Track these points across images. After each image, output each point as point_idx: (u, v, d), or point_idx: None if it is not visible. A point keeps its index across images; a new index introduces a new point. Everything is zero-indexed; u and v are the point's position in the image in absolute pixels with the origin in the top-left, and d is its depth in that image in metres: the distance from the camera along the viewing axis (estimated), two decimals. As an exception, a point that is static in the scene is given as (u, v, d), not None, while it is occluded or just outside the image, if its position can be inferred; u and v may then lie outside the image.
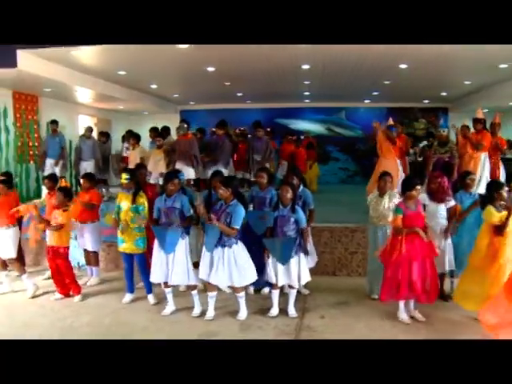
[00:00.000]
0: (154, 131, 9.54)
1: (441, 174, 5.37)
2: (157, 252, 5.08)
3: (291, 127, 14.91)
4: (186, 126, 8.39)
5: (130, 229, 5.36)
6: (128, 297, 5.68)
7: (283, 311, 5.10)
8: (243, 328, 4.79)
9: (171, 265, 4.99)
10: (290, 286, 5.09)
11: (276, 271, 4.95)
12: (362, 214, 6.25)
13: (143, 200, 5.42)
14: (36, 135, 11.13)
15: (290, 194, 4.90)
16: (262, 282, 5.29)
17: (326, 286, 5.93)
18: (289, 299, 5.12)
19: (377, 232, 5.37)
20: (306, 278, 5.05)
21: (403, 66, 9.09)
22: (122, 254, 5.58)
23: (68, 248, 5.82)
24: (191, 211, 5.15)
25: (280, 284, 5.02)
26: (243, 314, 5.04)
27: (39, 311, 5.43)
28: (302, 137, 12.71)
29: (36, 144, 11.04)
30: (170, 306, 5.27)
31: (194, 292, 5.19)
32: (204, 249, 4.95)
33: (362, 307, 5.29)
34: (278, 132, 12.68)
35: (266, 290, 5.68)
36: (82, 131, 12.70)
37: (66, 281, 5.79)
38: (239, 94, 13.27)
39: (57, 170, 9.46)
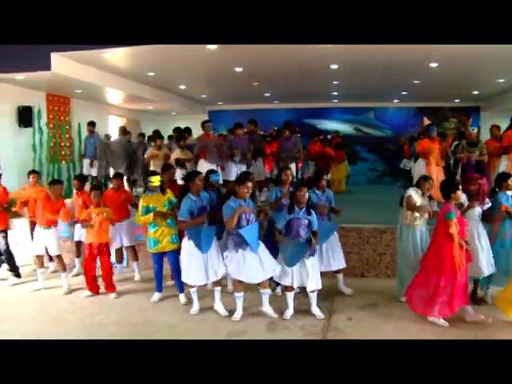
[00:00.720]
0: (177, 131, 9.61)
1: (480, 176, 5.23)
2: (190, 253, 5.06)
3: (319, 127, 14.84)
4: (210, 124, 8.50)
5: (165, 226, 5.45)
6: (157, 296, 5.73)
7: (310, 312, 5.09)
8: (270, 328, 4.79)
9: (209, 263, 5.01)
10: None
11: (291, 273, 4.91)
12: (390, 214, 6.17)
13: (171, 194, 5.59)
14: (67, 136, 11.40)
15: (306, 196, 4.86)
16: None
17: (354, 288, 5.87)
18: (311, 301, 5.08)
19: (414, 233, 5.23)
20: (317, 283, 4.98)
21: (433, 65, 8.95)
22: (153, 255, 5.62)
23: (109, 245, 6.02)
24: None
25: (295, 286, 4.98)
26: (267, 308, 5.04)
27: (69, 308, 5.57)
28: (329, 136, 12.61)
29: (67, 144, 11.32)
30: (197, 305, 5.31)
31: (218, 288, 5.21)
32: (232, 249, 4.93)
33: (391, 309, 5.24)
34: (306, 132, 12.59)
35: (278, 290, 5.67)
36: (111, 131, 13.07)
37: (104, 277, 5.91)
38: (267, 95, 13.29)
39: (93, 171, 9.72)
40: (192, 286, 5.25)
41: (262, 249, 4.95)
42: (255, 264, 4.87)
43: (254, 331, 4.71)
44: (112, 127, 14.04)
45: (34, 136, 10.02)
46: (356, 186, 12.57)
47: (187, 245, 5.09)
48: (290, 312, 5.05)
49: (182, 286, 5.59)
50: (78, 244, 6.80)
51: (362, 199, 9.45)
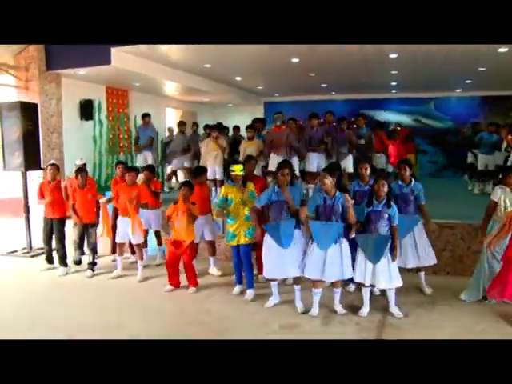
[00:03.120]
0: (259, 121, 9.61)
1: None
2: (269, 248, 5.06)
3: (377, 119, 14.44)
4: (282, 116, 8.39)
5: (242, 220, 5.47)
6: (238, 288, 5.72)
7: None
8: (324, 322, 4.80)
9: (288, 258, 4.96)
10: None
11: (365, 270, 4.83)
12: (451, 209, 5.98)
13: (252, 187, 5.56)
14: (126, 128, 11.82)
15: (385, 188, 4.76)
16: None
17: (411, 284, 5.71)
18: (389, 300, 4.95)
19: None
20: (397, 281, 4.84)
21: (503, 50, 8.52)
22: (233, 248, 5.64)
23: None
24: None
25: (367, 283, 4.88)
26: (339, 307, 5.03)
27: (152, 299, 5.66)
28: (392, 127, 12.23)
29: (125, 136, 11.73)
30: (275, 298, 5.30)
31: (298, 287, 5.16)
32: (313, 247, 4.87)
33: (451, 307, 5.13)
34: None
35: (352, 287, 5.61)
36: (168, 123, 13.38)
37: (187, 272, 5.90)
38: (324, 85, 13.14)
39: (149, 160, 10.03)
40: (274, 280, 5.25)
41: (346, 248, 4.85)
42: (279, 259, 4.94)
43: (307, 325, 4.73)
44: (169, 119, 14.39)
45: (94, 128, 10.50)
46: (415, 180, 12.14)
47: (268, 238, 5.08)
48: (366, 309, 4.97)
49: (252, 282, 5.56)
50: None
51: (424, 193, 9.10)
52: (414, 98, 14.41)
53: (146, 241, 7.00)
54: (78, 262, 6.91)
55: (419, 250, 5.40)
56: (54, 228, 6.84)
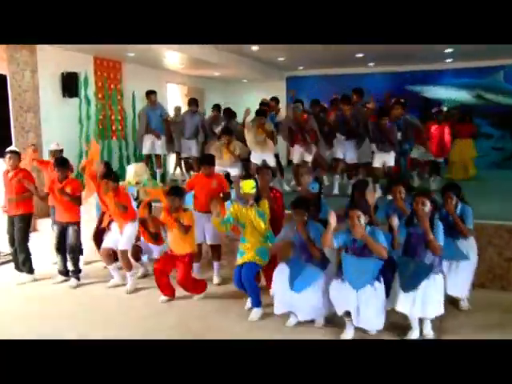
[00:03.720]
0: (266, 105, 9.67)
1: None
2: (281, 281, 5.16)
3: (426, 96, 14.32)
4: (301, 105, 8.57)
5: (258, 240, 5.49)
6: (250, 302, 5.70)
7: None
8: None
9: (302, 300, 5.05)
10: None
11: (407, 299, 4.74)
12: None
13: (265, 207, 5.45)
14: (119, 107, 11.68)
15: (427, 208, 4.67)
16: None
17: (472, 302, 5.64)
18: (425, 322, 4.91)
19: None
20: (436, 310, 4.78)
21: None
22: (237, 268, 5.61)
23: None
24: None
25: (414, 316, 4.80)
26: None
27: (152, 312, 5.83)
28: (435, 109, 11.81)
29: (119, 117, 11.60)
30: (294, 318, 5.31)
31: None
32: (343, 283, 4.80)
33: None
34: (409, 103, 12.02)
35: None
36: (171, 102, 13.26)
37: (181, 285, 6.02)
38: (359, 55, 12.84)
39: (157, 148, 9.91)
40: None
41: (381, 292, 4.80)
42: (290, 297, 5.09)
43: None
44: (171, 97, 14.26)
45: (80, 107, 10.30)
46: (475, 170, 11.82)
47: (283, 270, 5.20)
48: (415, 334, 4.87)
49: (256, 301, 5.57)
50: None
51: (483, 187, 9.12)
52: (477, 68, 13.95)
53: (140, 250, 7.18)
54: (63, 272, 6.97)
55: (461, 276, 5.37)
56: (15, 226, 6.88)
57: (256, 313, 5.54)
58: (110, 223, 6.76)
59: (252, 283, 5.50)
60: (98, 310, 5.91)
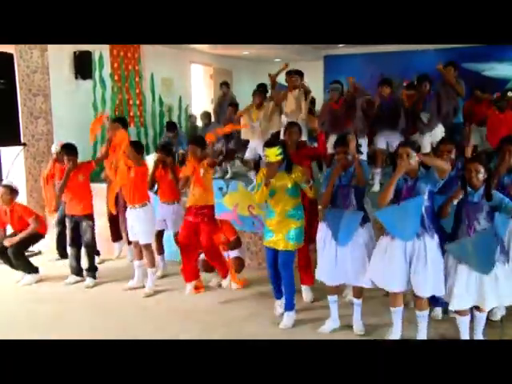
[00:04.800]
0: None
1: None
2: (323, 245, 5.24)
3: (487, 74, 13.88)
4: (340, 86, 8.40)
5: (284, 215, 5.46)
6: (279, 306, 5.78)
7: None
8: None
9: (345, 262, 5.10)
10: (477, 308, 4.74)
11: (465, 287, 4.59)
12: None
13: (300, 173, 5.43)
14: (137, 91, 11.76)
15: (481, 175, 4.59)
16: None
17: None
18: (475, 327, 4.83)
19: None
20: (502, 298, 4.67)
21: None
22: (267, 251, 5.67)
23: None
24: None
25: (468, 306, 4.69)
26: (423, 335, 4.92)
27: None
28: (496, 94, 11.33)
29: (137, 102, 11.70)
30: (333, 322, 5.41)
31: (359, 302, 5.31)
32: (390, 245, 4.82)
33: None
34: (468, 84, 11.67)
35: (439, 313, 5.54)
36: (195, 85, 13.30)
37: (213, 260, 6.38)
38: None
39: None
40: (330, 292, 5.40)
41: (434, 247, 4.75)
42: (337, 261, 5.13)
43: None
44: (196, 80, 14.30)
45: (94, 90, 10.42)
46: None
47: (322, 231, 5.26)
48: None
49: (292, 302, 5.61)
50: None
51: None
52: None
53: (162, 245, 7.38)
54: (77, 271, 7.13)
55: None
56: None
57: (289, 318, 5.56)
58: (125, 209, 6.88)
59: (292, 281, 5.53)
60: (116, 314, 6.02)
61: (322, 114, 8.48)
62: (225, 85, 11.75)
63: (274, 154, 5.28)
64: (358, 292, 5.24)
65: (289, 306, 5.57)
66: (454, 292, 4.60)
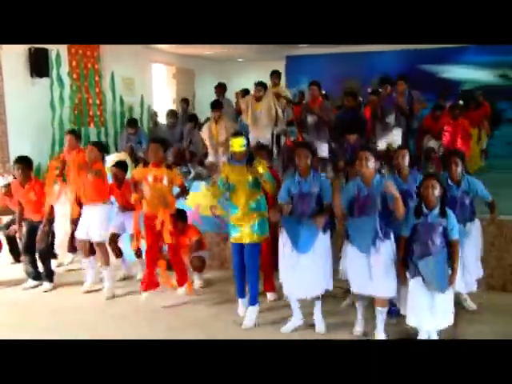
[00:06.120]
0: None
1: None
2: (285, 251, 5.24)
3: (443, 76, 14.15)
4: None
5: (247, 209, 5.52)
6: (244, 304, 5.78)
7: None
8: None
9: (305, 270, 5.11)
10: None
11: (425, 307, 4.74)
12: None
13: (265, 167, 5.49)
14: (97, 90, 11.55)
15: (437, 191, 4.67)
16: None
17: (491, 307, 5.74)
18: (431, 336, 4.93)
19: None
20: (447, 319, 4.81)
21: None
22: (233, 246, 5.71)
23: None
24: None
25: (416, 325, 4.85)
26: (381, 334, 5.05)
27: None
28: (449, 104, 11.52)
29: (97, 102, 11.48)
30: (296, 320, 5.41)
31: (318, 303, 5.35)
32: (349, 251, 5.03)
33: None
34: (424, 85, 11.87)
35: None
36: (156, 85, 13.10)
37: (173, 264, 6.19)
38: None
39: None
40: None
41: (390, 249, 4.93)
42: (299, 272, 5.13)
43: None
44: (157, 80, 14.16)
45: (51, 89, 10.20)
46: (497, 159, 11.83)
47: (287, 242, 5.25)
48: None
49: (256, 296, 5.65)
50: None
51: (505, 179, 8.92)
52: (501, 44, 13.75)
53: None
54: (33, 275, 6.93)
55: (467, 267, 5.39)
56: None
57: (253, 312, 5.59)
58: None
59: (257, 273, 5.61)
60: (77, 318, 5.85)
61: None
62: (184, 101, 11.60)
63: (238, 144, 5.40)
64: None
65: (253, 301, 5.61)
66: (410, 308, 4.79)
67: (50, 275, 6.83)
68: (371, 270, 4.82)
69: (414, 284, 4.74)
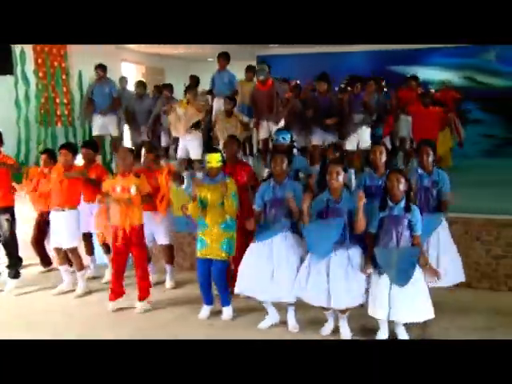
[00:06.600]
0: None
1: None
2: (251, 257, 5.31)
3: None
4: (267, 69, 8.49)
5: (218, 227, 5.53)
6: (207, 309, 5.78)
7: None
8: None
9: (278, 276, 5.15)
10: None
11: (384, 298, 4.76)
12: None
13: (233, 185, 5.52)
14: (65, 89, 11.41)
15: (402, 186, 4.74)
16: None
17: (457, 304, 5.80)
18: (397, 331, 4.98)
19: None
20: (427, 313, 4.85)
21: None
22: (199, 261, 5.70)
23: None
24: None
25: (381, 318, 4.87)
26: (347, 333, 5.09)
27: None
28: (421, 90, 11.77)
29: (65, 101, 11.35)
30: (270, 319, 5.45)
31: (292, 307, 5.36)
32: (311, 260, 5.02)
33: None
34: (394, 86, 11.99)
35: None
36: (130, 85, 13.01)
37: (138, 278, 6.03)
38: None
39: (111, 129, 9.56)
40: None
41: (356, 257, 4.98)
42: (264, 275, 5.18)
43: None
44: (127, 78, 13.98)
45: (16, 87, 10.08)
46: (464, 159, 11.97)
47: (254, 249, 5.30)
48: (383, 335, 5.01)
49: (227, 300, 5.73)
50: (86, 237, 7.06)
51: (471, 179, 9.03)
52: (466, 47, 13.76)
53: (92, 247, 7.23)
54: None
55: (443, 263, 5.40)
56: None
57: (228, 311, 5.67)
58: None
59: (225, 282, 5.62)
60: (44, 321, 5.74)
61: (250, 98, 8.51)
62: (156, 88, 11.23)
63: (215, 160, 5.45)
64: None
65: (226, 303, 5.69)
66: (374, 302, 4.82)
67: (14, 267, 6.73)
68: (330, 280, 4.84)
69: (375, 275, 4.81)
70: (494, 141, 14.36)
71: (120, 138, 10.06)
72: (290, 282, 5.08)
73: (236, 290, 5.42)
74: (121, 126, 10.10)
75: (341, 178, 4.80)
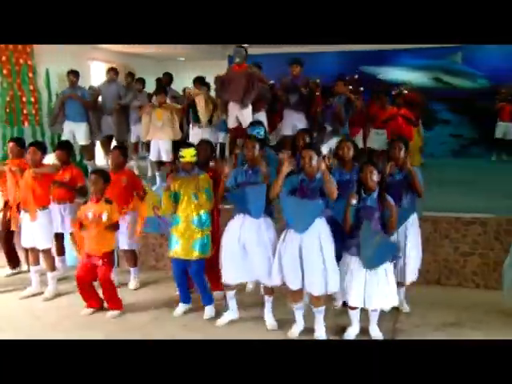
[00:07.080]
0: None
1: None
2: (230, 245, 5.28)
3: (381, 78, 14.43)
4: (244, 53, 8.52)
5: (191, 223, 5.53)
6: (182, 307, 5.83)
7: (365, 331, 5.11)
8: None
9: (252, 256, 5.19)
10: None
11: (354, 284, 4.89)
12: (481, 199, 6.47)
13: (207, 182, 5.58)
14: (31, 87, 11.21)
15: (375, 177, 4.87)
16: None
17: (427, 300, 5.87)
18: (370, 318, 5.09)
19: None
20: (392, 300, 4.97)
21: None
22: (173, 261, 5.72)
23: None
24: None
25: (356, 305, 4.96)
26: (321, 332, 5.10)
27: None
28: (395, 91, 11.91)
29: (32, 99, 11.14)
30: (232, 313, 5.55)
31: (269, 298, 5.41)
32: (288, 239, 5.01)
33: (485, 332, 5.12)
34: (364, 86, 12.05)
35: (339, 302, 5.65)
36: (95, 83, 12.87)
37: (104, 293, 5.91)
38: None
39: (78, 137, 9.24)
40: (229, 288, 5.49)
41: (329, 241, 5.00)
42: (244, 260, 5.24)
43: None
44: (96, 78, 13.83)
45: (-21, 86, 9.88)
46: (432, 159, 12.08)
47: (229, 238, 5.32)
48: (354, 329, 5.13)
49: (210, 297, 5.78)
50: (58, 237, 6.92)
51: (439, 178, 9.12)
52: (434, 49, 13.84)
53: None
54: None
55: (409, 259, 5.44)
56: None
57: (210, 309, 5.71)
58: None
59: (203, 281, 5.68)
60: (10, 326, 5.61)
61: (220, 82, 8.45)
62: (129, 74, 11.30)
63: (190, 155, 5.49)
64: (269, 289, 5.31)
65: (207, 302, 5.72)
66: (349, 289, 4.89)
67: None
68: (303, 261, 4.87)
69: (350, 262, 4.91)
70: (462, 141, 14.56)
71: (91, 146, 9.72)
72: (265, 262, 5.13)
73: (224, 281, 5.41)
74: (93, 135, 9.65)
75: (314, 161, 4.80)
